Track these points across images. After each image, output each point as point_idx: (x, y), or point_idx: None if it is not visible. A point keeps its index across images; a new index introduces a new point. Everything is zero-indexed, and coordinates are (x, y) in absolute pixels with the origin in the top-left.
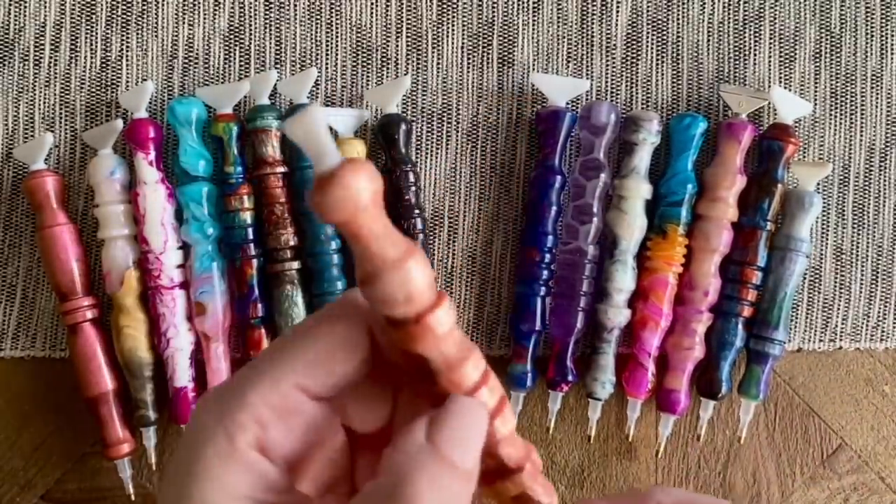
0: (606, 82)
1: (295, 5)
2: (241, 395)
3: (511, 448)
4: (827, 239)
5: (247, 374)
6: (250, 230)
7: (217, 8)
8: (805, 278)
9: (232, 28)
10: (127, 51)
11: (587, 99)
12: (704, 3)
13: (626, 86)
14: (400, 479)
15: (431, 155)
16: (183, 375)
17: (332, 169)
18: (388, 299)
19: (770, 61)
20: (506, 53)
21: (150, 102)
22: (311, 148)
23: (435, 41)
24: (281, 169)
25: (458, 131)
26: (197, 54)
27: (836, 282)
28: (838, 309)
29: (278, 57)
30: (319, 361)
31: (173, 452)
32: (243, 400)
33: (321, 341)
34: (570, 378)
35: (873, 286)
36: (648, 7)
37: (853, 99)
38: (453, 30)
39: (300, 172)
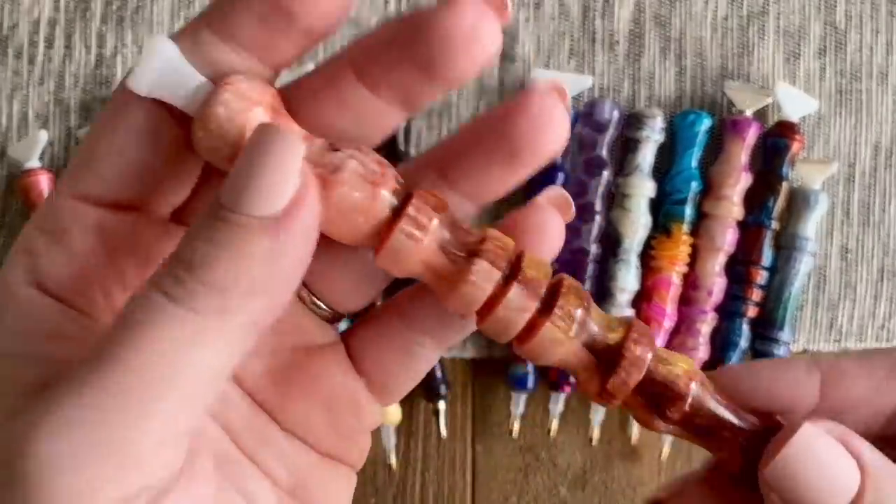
0: (609, 79)
1: None
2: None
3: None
4: (832, 238)
5: None
6: None
7: None
8: (810, 278)
9: None
10: (122, 48)
11: (590, 96)
12: None
13: (629, 82)
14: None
15: None
16: None
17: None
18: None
19: (775, 58)
20: (507, 49)
21: None
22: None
23: None
24: None
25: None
26: None
27: (841, 281)
28: (844, 309)
29: None
30: (84, 161)
31: None
32: (20, 235)
33: (84, 142)
34: (571, 379)
35: (879, 286)
36: (651, 2)
37: (859, 96)
38: None
39: None
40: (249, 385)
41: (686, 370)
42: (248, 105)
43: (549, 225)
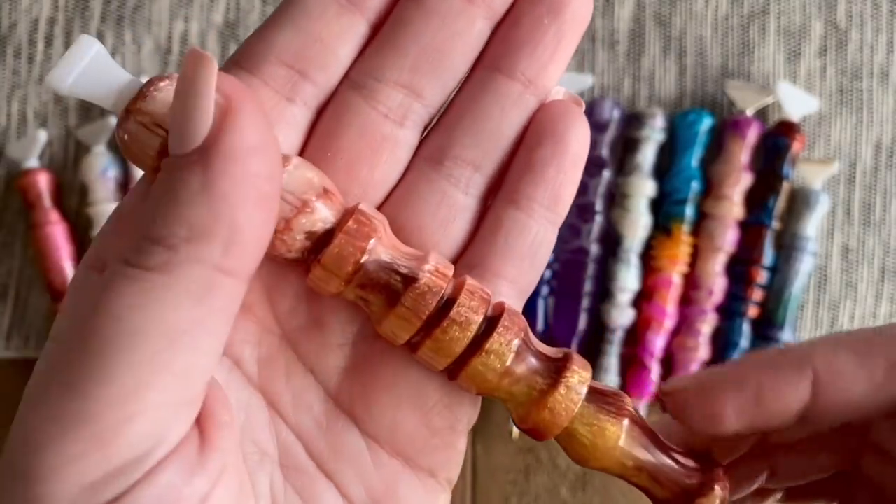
0: (609, 78)
1: None
2: None
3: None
4: (833, 237)
5: None
6: None
7: (212, 2)
8: (811, 277)
9: (227, 22)
10: (121, 46)
11: (591, 95)
12: None
13: (630, 81)
14: None
15: None
16: None
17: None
18: None
19: (776, 57)
20: None
21: None
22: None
23: None
24: None
25: None
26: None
27: (842, 281)
28: (845, 308)
29: None
30: None
31: None
32: None
33: None
34: None
35: (880, 285)
36: (651, 1)
37: (860, 95)
38: None
39: None
40: (327, 382)
41: (609, 437)
42: None
43: (569, 118)
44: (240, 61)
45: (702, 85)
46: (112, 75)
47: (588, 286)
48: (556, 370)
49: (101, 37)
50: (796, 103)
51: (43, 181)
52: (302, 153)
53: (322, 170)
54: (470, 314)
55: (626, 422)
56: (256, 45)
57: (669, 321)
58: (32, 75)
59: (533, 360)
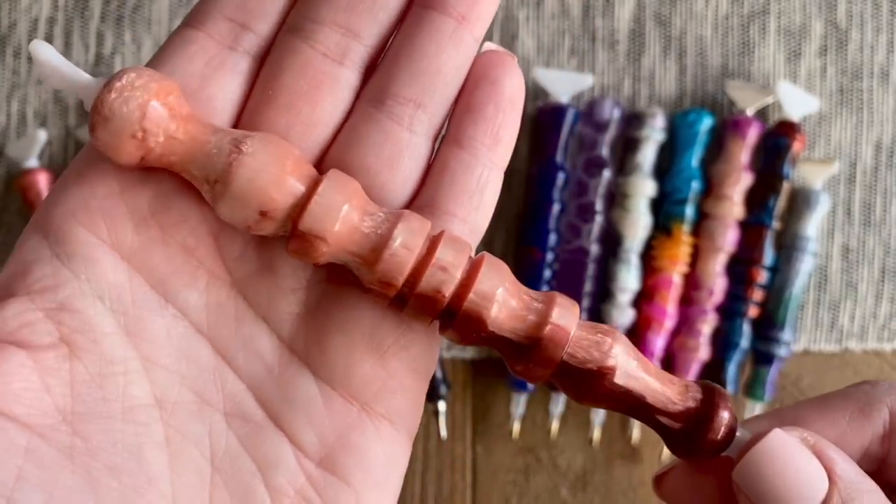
0: (610, 77)
1: None
2: None
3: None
4: (834, 237)
5: None
6: None
7: None
8: (811, 278)
9: None
10: (121, 46)
11: (591, 95)
12: None
13: (630, 81)
14: None
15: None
16: None
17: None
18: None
19: (776, 56)
20: (507, 48)
21: None
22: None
23: None
24: None
25: None
26: None
27: (843, 281)
28: (845, 309)
29: None
30: None
31: None
32: None
33: None
34: None
35: (881, 285)
36: (651, 1)
37: (860, 95)
38: None
39: None
40: (280, 329)
41: (608, 349)
42: (144, 96)
43: (501, 64)
44: (188, 21)
45: (702, 85)
46: (70, 72)
47: (588, 286)
48: (541, 315)
49: (100, 37)
50: (796, 103)
51: (43, 181)
52: (247, 99)
53: (263, 110)
54: (440, 282)
55: (618, 360)
56: (203, 4)
57: (670, 321)
58: (32, 75)
59: (518, 308)
